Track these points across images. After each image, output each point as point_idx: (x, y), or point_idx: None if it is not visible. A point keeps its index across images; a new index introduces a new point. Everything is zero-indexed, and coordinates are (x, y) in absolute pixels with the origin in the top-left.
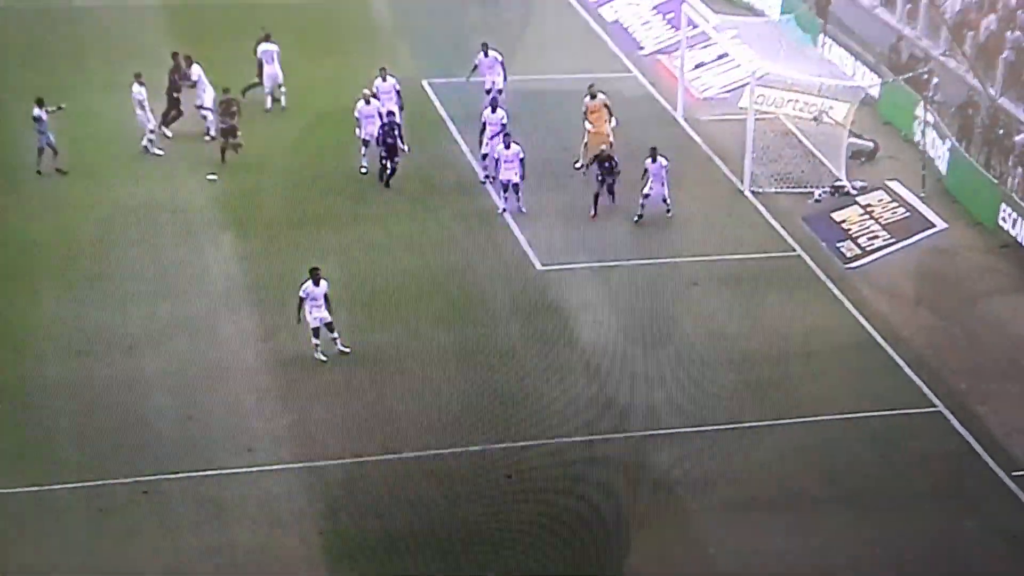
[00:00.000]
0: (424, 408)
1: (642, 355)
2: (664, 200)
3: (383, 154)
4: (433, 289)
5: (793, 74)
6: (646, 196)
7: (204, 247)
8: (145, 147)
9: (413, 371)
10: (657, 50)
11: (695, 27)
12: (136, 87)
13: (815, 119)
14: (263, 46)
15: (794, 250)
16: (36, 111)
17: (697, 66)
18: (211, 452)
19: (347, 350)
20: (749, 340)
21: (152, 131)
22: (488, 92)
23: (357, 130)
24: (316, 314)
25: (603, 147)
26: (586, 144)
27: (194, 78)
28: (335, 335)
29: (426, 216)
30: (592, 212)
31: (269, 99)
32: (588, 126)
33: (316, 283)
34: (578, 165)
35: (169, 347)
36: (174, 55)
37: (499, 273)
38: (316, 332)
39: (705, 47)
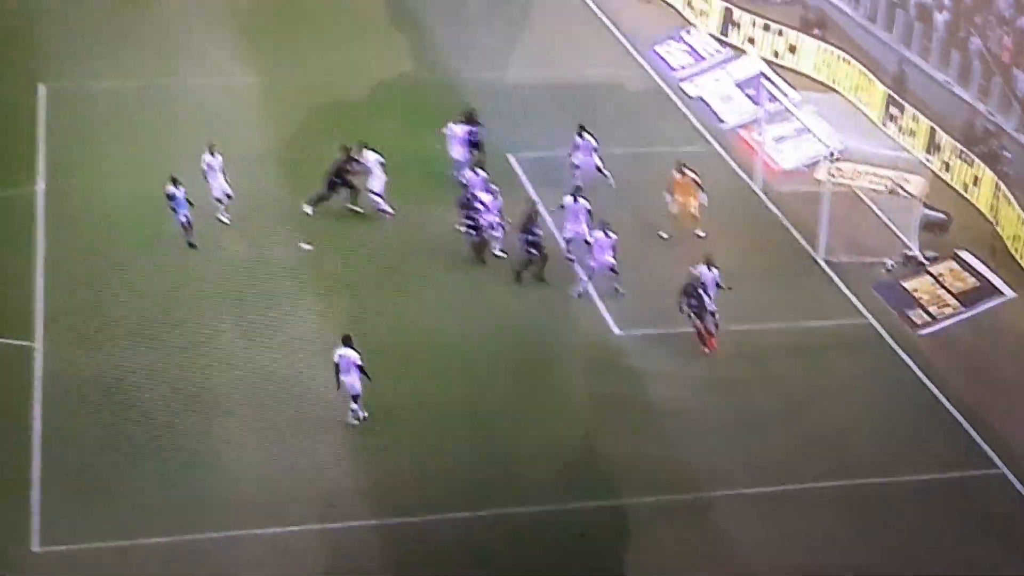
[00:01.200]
0: (497, 464)
1: (712, 418)
2: (586, 241)
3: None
4: (511, 350)
5: (869, 148)
6: (568, 240)
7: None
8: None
9: (488, 428)
10: (738, 124)
11: (776, 101)
12: (207, 156)
13: (890, 192)
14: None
15: (865, 317)
16: (170, 188)
17: (777, 140)
18: (291, 507)
19: (355, 423)
20: (818, 405)
21: (219, 200)
22: (576, 168)
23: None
24: (344, 379)
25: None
26: (675, 215)
27: (368, 164)
28: (356, 407)
29: (511, 282)
30: (702, 348)
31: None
32: (668, 198)
33: (348, 347)
34: (665, 236)
35: (253, 402)
36: (345, 148)
37: (577, 337)
38: (355, 398)
39: (784, 122)
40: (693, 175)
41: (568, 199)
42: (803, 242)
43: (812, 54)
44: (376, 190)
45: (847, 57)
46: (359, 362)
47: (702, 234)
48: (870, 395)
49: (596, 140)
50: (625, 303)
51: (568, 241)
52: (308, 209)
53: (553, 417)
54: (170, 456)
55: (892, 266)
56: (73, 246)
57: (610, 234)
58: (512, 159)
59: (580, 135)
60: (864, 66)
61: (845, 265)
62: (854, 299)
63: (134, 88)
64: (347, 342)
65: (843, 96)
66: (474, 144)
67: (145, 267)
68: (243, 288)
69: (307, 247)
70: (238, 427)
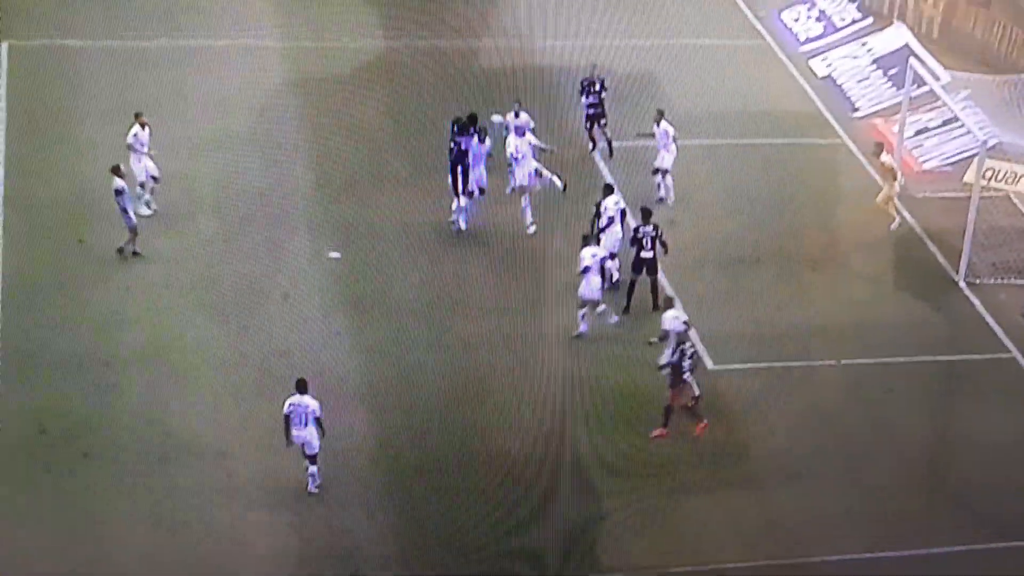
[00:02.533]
0: (575, 523)
1: (819, 471)
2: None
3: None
4: (584, 386)
5: None
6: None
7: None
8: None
9: (558, 479)
10: (873, 112)
11: (921, 86)
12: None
13: None
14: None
15: (1009, 351)
16: (115, 182)
17: (918, 132)
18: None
19: (315, 491)
20: (951, 455)
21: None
22: (655, 173)
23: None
24: (295, 433)
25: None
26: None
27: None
28: (313, 469)
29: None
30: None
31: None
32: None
33: (303, 394)
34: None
35: (264, 453)
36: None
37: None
38: (312, 459)
39: (930, 110)
40: (891, 160)
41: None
42: (941, 258)
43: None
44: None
45: (1015, 29)
46: (318, 413)
47: (894, 226)
48: (1012, 444)
49: (675, 128)
50: (721, 333)
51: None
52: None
53: (636, 471)
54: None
55: None
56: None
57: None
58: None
59: (657, 122)
60: None
61: (990, 288)
62: (998, 329)
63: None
64: (302, 388)
65: (1004, 77)
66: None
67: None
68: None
69: (335, 255)
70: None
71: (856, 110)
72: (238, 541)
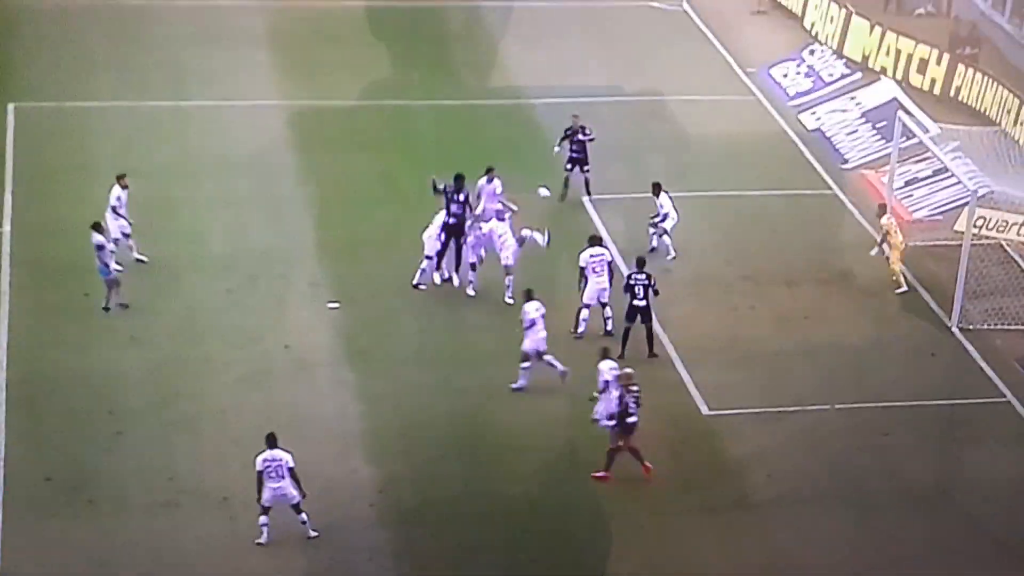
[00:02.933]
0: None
1: (820, 515)
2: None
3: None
4: (586, 434)
5: (1022, 193)
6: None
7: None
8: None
9: (558, 528)
10: (863, 164)
11: (910, 138)
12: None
13: None
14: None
15: (1004, 396)
16: (95, 238)
17: (908, 183)
18: None
19: (315, 535)
20: (947, 500)
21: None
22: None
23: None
24: (273, 487)
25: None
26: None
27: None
28: (303, 517)
29: (578, 350)
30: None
31: None
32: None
33: (272, 448)
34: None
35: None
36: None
37: (659, 417)
38: (266, 510)
39: (920, 160)
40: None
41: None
42: (933, 305)
43: (957, 77)
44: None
45: (1001, 83)
46: (291, 464)
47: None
48: (1010, 489)
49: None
50: (716, 380)
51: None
52: None
53: (631, 524)
54: None
55: None
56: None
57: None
58: (586, 202)
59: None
60: (1021, 94)
61: (984, 333)
62: (992, 374)
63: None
64: (272, 442)
65: (993, 129)
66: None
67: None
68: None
69: (334, 305)
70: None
71: (846, 162)
72: None
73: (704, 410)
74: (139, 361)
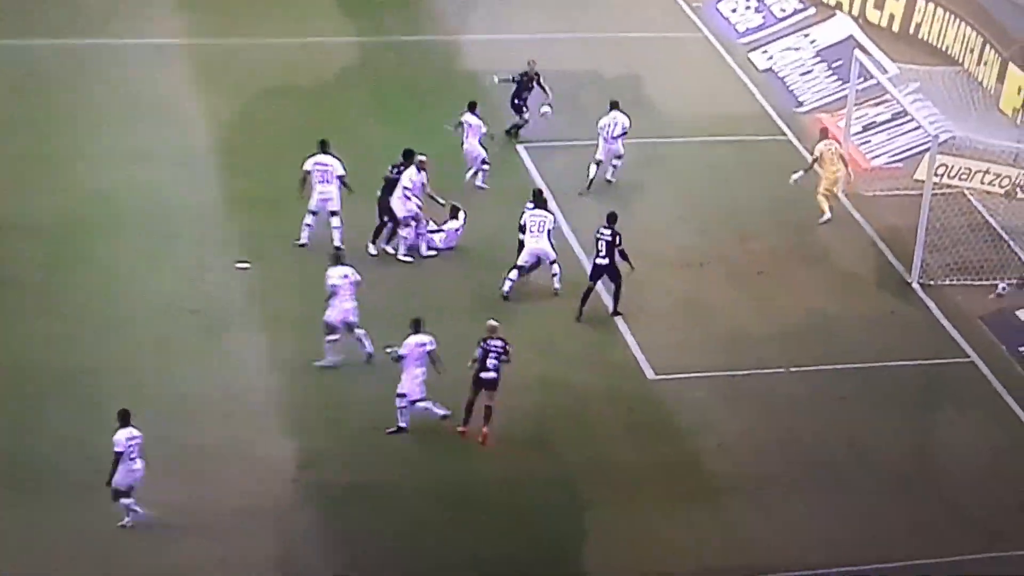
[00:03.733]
0: (517, 548)
1: (775, 488)
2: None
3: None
4: (524, 402)
5: (986, 138)
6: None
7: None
8: None
9: (500, 505)
10: (818, 106)
11: (868, 79)
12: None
13: (1007, 194)
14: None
15: (967, 356)
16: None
17: (866, 127)
18: None
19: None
20: (908, 465)
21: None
22: (598, 164)
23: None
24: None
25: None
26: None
27: None
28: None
29: (518, 313)
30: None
31: None
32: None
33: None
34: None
35: (188, 488)
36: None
37: (601, 382)
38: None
39: (878, 103)
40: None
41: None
42: (893, 260)
43: (917, 13)
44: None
45: (964, 19)
46: (141, 441)
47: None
48: (975, 455)
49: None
50: (662, 340)
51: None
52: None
53: (577, 499)
54: None
55: (1006, 289)
56: None
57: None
58: (521, 149)
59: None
60: (984, 32)
61: (946, 289)
62: (955, 333)
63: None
64: (125, 420)
65: (955, 69)
66: None
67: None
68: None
69: (243, 265)
70: None
71: (800, 105)
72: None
73: (650, 374)
74: (48, 333)
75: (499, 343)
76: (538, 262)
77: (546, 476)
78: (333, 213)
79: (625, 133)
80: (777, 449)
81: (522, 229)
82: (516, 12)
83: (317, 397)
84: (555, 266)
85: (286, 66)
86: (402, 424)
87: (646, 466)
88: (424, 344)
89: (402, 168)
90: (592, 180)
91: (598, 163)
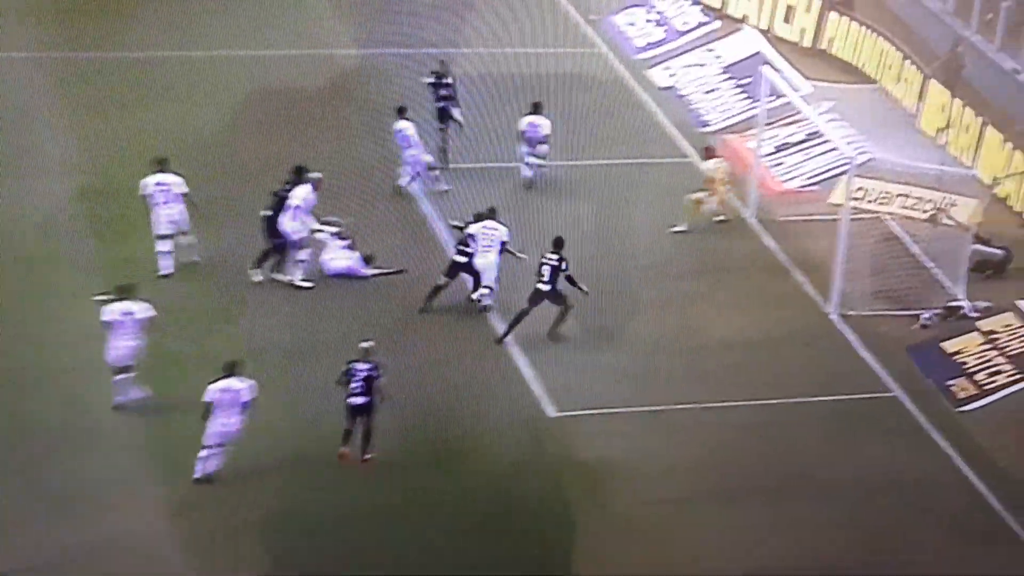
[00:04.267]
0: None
1: (694, 522)
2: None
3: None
4: (413, 444)
5: (907, 160)
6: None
7: None
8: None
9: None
10: (725, 127)
11: (778, 97)
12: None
13: (931, 219)
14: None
15: (890, 390)
16: None
17: (778, 148)
18: None
19: None
20: (829, 503)
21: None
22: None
23: None
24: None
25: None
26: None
27: None
28: None
29: (407, 338)
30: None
31: None
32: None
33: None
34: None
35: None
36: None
37: (495, 421)
38: None
39: (791, 123)
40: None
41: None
42: (810, 288)
43: (831, 28)
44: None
45: (881, 34)
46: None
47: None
48: (897, 493)
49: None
50: (565, 372)
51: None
52: None
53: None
54: None
55: (930, 320)
56: None
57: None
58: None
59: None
60: (903, 47)
61: (867, 320)
62: (876, 365)
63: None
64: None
65: (872, 86)
66: None
67: None
68: None
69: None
70: None
71: (705, 125)
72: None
73: (550, 411)
74: None
75: (364, 367)
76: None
77: (422, 510)
78: (183, 233)
79: (547, 139)
80: (688, 485)
81: (464, 244)
82: (403, 25)
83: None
84: (495, 283)
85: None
86: (121, 399)
87: (542, 511)
88: (130, 311)
89: (291, 187)
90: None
91: (528, 165)
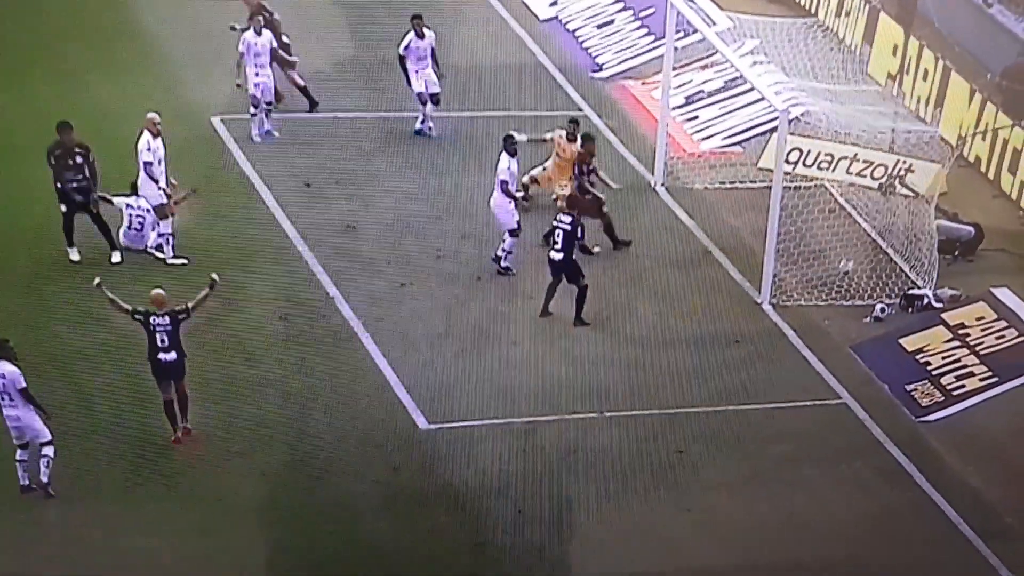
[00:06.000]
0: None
1: (592, 559)
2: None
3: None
4: (266, 459)
5: (852, 114)
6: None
7: None
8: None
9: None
10: (624, 71)
11: (690, 33)
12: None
13: (883, 188)
14: None
15: (839, 396)
16: None
17: (689, 99)
18: None
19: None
20: (763, 530)
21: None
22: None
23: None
24: None
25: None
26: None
27: None
28: None
29: (248, 332)
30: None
31: None
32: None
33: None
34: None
35: None
36: None
37: (359, 436)
38: None
39: (706, 67)
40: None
41: None
42: (736, 273)
43: None
44: None
45: None
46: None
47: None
48: (845, 517)
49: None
50: (440, 377)
51: None
52: None
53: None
54: None
55: (885, 312)
56: None
57: None
58: (217, 122)
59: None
60: None
61: (807, 311)
62: (820, 367)
63: None
64: None
65: (807, 20)
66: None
67: None
68: None
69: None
70: None
71: (599, 69)
72: None
73: (422, 423)
74: None
75: (165, 319)
76: None
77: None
78: None
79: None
80: (588, 516)
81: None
82: None
83: None
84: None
85: None
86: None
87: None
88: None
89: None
90: (424, 119)
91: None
